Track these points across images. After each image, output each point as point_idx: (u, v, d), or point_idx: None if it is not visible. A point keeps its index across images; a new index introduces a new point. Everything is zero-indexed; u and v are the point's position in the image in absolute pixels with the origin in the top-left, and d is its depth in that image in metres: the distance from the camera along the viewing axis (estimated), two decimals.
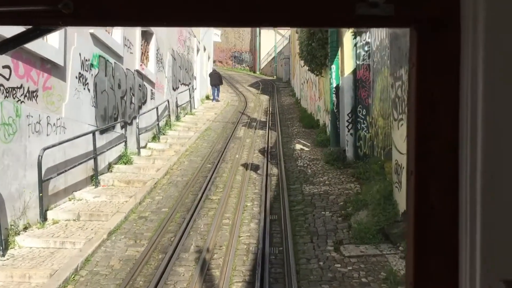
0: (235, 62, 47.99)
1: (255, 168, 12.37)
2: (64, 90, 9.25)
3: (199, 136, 16.68)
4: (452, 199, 1.09)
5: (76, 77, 9.79)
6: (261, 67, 44.66)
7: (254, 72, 44.86)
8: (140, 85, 14.48)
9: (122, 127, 12.63)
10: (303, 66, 18.30)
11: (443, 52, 1.08)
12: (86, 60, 10.31)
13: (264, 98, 28.92)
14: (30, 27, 1.20)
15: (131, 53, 13.57)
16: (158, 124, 15.90)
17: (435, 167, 1.10)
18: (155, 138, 15.80)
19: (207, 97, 28.39)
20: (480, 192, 1.02)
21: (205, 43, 28.45)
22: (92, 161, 10.21)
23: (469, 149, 1.05)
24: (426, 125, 1.10)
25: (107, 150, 11.31)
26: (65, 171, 8.89)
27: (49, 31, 1.32)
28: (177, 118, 19.49)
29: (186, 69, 22.48)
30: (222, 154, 13.83)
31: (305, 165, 12.60)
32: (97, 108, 10.90)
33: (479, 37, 1.01)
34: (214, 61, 35.29)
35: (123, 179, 10.85)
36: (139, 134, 13.58)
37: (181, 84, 21.18)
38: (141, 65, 14.42)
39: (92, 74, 10.63)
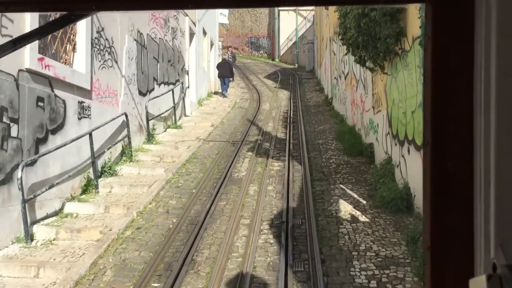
0: (252, 49, 41.71)
1: None
2: None
3: (170, 178, 9.66)
4: (467, 165, 1.09)
5: None
6: (281, 54, 37.83)
7: (273, 59, 37.98)
8: (41, 99, 7.54)
9: None
10: (346, 53, 11.07)
11: (458, 24, 1.10)
12: None
13: (284, 95, 21.89)
14: (65, 13, 1.29)
15: (4, 35, 6.62)
16: (94, 163, 8.97)
17: (451, 134, 1.11)
18: (88, 188, 8.90)
19: (210, 95, 21.50)
20: (494, 157, 1.01)
21: (204, 24, 21.28)
22: None
23: (483, 116, 1.04)
24: (442, 95, 1.11)
25: None
26: None
27: (83, 16, 1.36)
28: (149, 138, 12.49)
29: (170, 61, 15.42)
30: (195, 239, 6.81)
31: (373, 284, 5.54)
32: None
33: (492, 9, 1.02)
34: (228, 48, 28.15)
35: None
36: (25, 202, 6.69)
37: (160, 84, 14.14)
38: (41, 59, 7.45)
39: None
